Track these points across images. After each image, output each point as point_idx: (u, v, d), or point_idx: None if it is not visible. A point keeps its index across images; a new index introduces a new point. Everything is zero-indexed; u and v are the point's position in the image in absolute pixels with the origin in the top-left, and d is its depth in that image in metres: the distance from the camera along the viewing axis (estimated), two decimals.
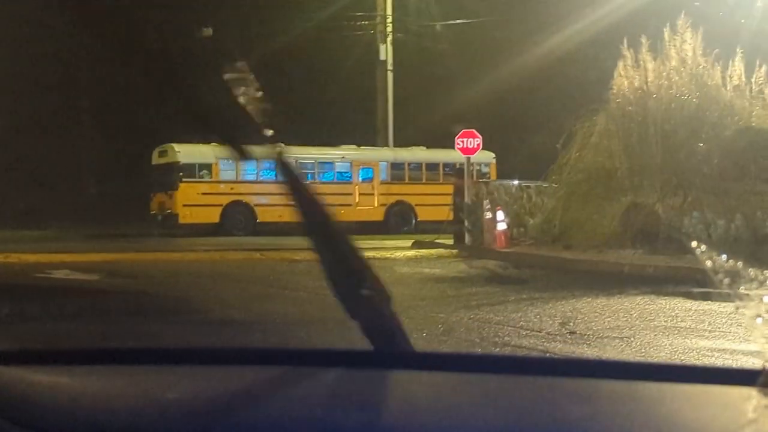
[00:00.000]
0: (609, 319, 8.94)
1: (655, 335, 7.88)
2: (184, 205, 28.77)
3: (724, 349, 6.76)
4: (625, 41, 18.40)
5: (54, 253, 17.65)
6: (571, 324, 8.39)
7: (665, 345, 7.35)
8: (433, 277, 14.04)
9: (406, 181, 31.29)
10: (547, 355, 6.78)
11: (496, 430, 1.30)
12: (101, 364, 1.69)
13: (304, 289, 12.02)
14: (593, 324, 8.50)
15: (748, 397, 1.25)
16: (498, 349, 7.00)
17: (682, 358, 6.72)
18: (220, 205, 29.13)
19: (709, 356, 6.67)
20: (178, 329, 8.08)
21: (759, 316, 1.25)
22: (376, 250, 19.59)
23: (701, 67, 17.80)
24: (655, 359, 6.70)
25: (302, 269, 15.74)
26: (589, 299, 10.55)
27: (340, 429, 1.33)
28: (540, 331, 7.98)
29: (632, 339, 7.64)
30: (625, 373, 1.49)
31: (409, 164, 31.51)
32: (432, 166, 31.33)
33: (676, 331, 8.05)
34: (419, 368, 1.59)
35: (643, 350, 7.08)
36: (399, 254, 18.80)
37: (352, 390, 1.56)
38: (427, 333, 7.78)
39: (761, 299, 1.37)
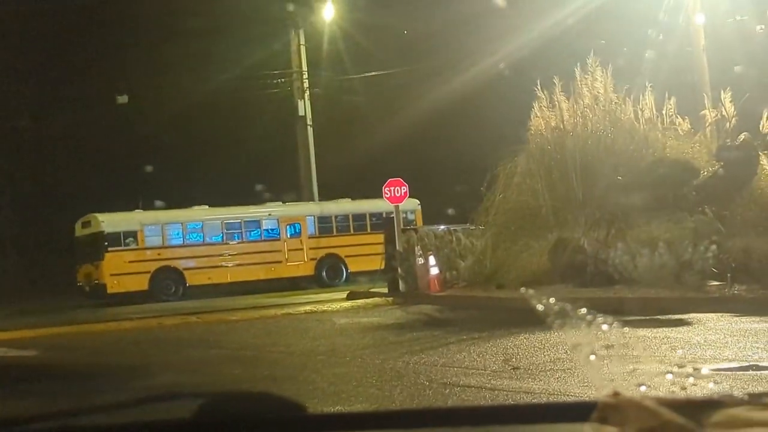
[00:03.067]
0: (549, 352, 9.22)
1: (594, 365, 8.14)
2: (112, 275, 28.43)
3: (660, 372, 7.05)
4: (539, 82, 19.00)
5: None
6: (514, 360, 8.64)
7: (605, 373, 7.62)
8: (372, 326, 14.20)
9: (335, 233, 31.41)
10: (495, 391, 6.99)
11: None
12: None
13: (247, 347, 12.10)
14: (534, 358, 8.76)
15: None
16: (448, 390, 7.20)
17: (624, 383, 6.99)
18: (148, 272, 28.87)
19: (648, 379, 6.94)
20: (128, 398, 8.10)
21: (593, 353, 1.29)
22: (311, 304, 19.69)
23: (613, 103, 18.45)
24: (596, 388, 6.94)
25: (241, 328, 15.81)
26: (527, 335, 10.83)
27: None
28: (485, 369, 8.22)
29: (574, 370, 7.90)
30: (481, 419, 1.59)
31: (336, 217, 31.65)
32: (359, 217, 31.52)
33: (614, 359, 8.33)
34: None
35: (585, 380, 7.35)
36: (335, 306, 18.92)
37: None
38: (378, 379, 7.96)
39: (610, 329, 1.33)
